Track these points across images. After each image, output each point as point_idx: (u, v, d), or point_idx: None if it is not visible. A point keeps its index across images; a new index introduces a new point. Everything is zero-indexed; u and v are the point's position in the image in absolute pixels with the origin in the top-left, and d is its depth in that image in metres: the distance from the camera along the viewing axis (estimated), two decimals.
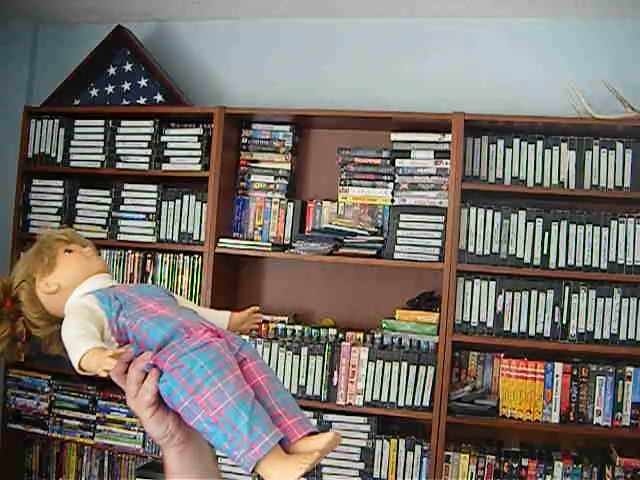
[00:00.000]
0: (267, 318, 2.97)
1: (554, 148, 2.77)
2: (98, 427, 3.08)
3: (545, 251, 2.73)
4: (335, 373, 2.84)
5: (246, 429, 0.95)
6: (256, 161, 3.09)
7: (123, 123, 3.13)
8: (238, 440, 0.95)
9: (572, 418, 2.69)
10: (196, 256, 3.01)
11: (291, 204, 3.04)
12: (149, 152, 3.08)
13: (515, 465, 2.70)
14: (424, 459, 2.77)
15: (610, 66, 2.86)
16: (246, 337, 2.62)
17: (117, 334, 1.08)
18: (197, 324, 1.06)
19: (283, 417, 1.01)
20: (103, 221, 3.13)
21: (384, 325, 2.88)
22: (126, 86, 3.16)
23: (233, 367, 1.01)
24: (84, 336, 1.03)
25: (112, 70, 3.19)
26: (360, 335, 2.92)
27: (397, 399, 2.79)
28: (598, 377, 2.68)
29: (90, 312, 1.08)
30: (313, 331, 2.94)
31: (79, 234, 1.25)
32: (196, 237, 3.02)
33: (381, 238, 2.88)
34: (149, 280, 3.04)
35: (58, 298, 1.15)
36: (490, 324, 2.76)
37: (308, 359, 2.86)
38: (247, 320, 1.30)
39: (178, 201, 3.06)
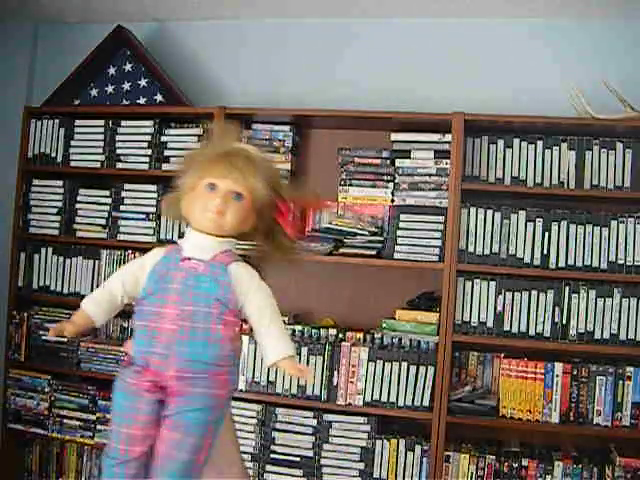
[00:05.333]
0: None
1: (554, 148, 2.77)
2: (98, 427, 3.08)
3: (545, 251, 2.73)
4: (335, 373, 2.84)
5: None
6: None
7: (123, 123, 3.13)
8: None
9: (572, 418, 2.69)
10: None
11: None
12: (149, 152, 3.08)
13: (515, 465, 2.70)
14: (424, 459, 2.77)
15: (610, 66, 2.86)
16: (246, 337, 2.61)
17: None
18: None
19: None
20: (103, 221, 3.12)
21: (384, 325, 2.88)
22: (126, 86, 3.17)
23: None
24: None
25: (112, 70, 3.19)
26: (360, 335, 2.92)
27: (397, 399, 2.79)
28: (598, 377, 2.68)
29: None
30: (313, 331, 2.94)
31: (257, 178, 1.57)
32: None
33: (381, 238, 2.87)
34: None
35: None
36: (490, 324, 2.76)
37: (308, 359, 2.86)
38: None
39: None
